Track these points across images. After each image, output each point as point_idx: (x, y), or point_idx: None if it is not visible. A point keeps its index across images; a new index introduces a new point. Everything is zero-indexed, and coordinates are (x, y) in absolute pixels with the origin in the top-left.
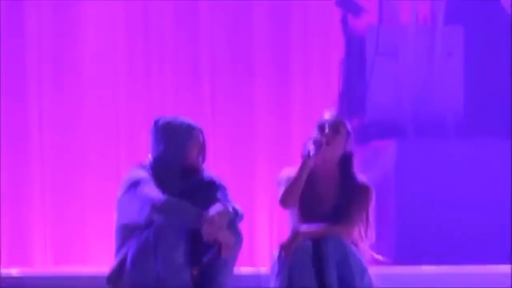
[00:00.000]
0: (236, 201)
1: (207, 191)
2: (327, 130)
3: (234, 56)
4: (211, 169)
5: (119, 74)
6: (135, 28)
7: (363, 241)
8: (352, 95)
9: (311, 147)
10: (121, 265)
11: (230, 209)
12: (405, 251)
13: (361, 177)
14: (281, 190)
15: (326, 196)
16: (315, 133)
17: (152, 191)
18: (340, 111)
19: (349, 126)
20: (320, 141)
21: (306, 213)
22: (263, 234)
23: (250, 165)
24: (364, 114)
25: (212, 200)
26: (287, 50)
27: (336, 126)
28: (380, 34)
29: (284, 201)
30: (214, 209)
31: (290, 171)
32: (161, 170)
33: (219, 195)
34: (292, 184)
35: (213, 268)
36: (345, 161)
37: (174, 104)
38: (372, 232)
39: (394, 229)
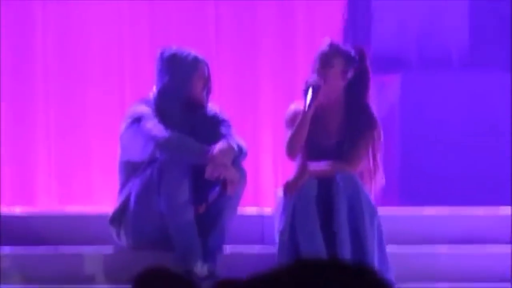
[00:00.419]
0: (240, 137)
1: (211, 126)
2: (317, 65)
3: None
4: (215, 102)
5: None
6: None
7: (371, 182)
8: (356, 28)
9: (309, 94)
10: (124, 205)
11: (235, 146)
12: (409, 190)
13: (369, 110)
14: (287, 135)
15: (332, 130)
16: (315, 66)
17: (155, 127)
18: (343, 41)
19: (348, 54)
20: (314, 84)
21: (312, 148)
22: (267, 173)
23: (254, 98)
24: (369, 48)
25: (216, 135)
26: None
27: (326, 59)
28: None
29: (289, 152)
30: (219, 147)
31: (296, 109)
32: (164, 103)
33: (223, 130)
34: (294, 135)
35: (218, 206)
36: (350, 92)
37: (178, 32)
38: (380, 173)
39: (398, 165)
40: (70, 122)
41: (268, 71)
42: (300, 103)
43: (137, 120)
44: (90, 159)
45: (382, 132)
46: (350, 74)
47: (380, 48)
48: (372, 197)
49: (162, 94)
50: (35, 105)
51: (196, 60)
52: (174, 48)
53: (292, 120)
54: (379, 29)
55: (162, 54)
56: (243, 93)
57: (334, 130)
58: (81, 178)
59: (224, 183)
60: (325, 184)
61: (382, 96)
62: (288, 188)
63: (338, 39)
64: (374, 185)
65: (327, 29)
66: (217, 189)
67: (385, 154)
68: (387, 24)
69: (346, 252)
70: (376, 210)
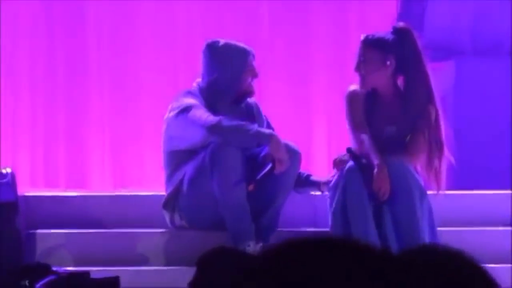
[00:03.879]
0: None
1: (255, 117)
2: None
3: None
4: (267, 88)
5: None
6: None
7: (430, 167)
8: (409, 15)
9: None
10: (177, 189)
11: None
12: (464, 175)
13: (422, 95)
14: (349, 117)
15: (392, 116)
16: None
17: (205, 114)
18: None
19: (381, 42)
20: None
21: (373, 134)
22: (321, 156)
23: (306, 89)
24: (422, 35)
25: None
26: None
27: (359, 55)
28: None
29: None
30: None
31: (355, 90)
32: (213, 95)
33: (265, 121)
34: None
35: (270, 186)
36: (401, 76)
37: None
38: (446, 155)
39: (452, 151)
40: (123, 107)
41: (321, 62)
42: (357, 87)
43: (186, 110)
44: (142, 143)
45: (439, 111)
46: (391, 61)
47: (433, 35)
48: (421, 180)
49: (212, 88)
50: (89, 92)
51: (245, 52)
52: (221, 41)
53: (352, 101)
54: (432, 17)
55: (209, 46)
56: (295, 72)
57: (394, 117)
58: (134, 161)
59: (273, 163)
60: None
61: (436, 83)
62: (336, 164)
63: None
64: (442, 165)
65: (380, 19)
66: (267, 168)
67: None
68: (440, 12)
69: (392, 236)
70: (425, 191)
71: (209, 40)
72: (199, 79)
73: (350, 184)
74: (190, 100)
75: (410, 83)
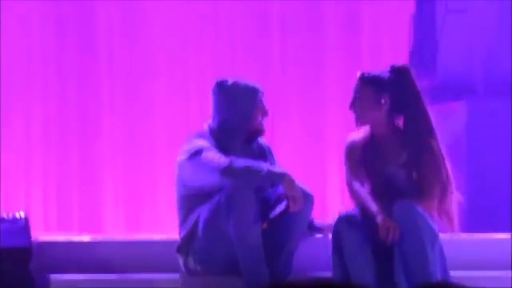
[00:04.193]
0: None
1: (267, 157)
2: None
3: (304, 15)
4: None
5: (188, 33)
6: None
7: (442, 207)
8: (422, 55)
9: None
10: (191, 232)
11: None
12: (478, 217)
13: (422, 129)
14: (347, 167)
15: (392, 157)
16: None
17: (217, 156)
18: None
19: (375, 80)
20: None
21: (375, 178)
22: (334, 198)
23: (320, 130)
24: (435, 75)
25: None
26: (357, 9)
27: (354, 92)
28: None
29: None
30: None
31: (354, 140)
32: (224, 136)
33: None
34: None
35: (283, 228)
36: (397, 114)
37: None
38: (455, 194)
39: (465, 194)
40: (136, 150)
41: (334, 102)
42: (357, 135)
43: (197, 153)
44: (157, 188)
45: (440, 146)
46: (385, 99)
47: (446, 75)
48: (434, 223)
49: (222, 128)
50: (102, 135)
51: (254, 91)
52: (230, 80)
53: (349, 152)
54: (445, 56)
55: (218, 85)
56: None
57: (396, 155)
58: (148, 205)
59: (287, 201)
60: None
61: (448, 123)
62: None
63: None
64: (453, 204)
65: (393, 56)
66: (282, 207)
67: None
68: (453, 51)
69: (401, 279)
70: (437, 234)
71: (218, 79)
72: (210, 121)
73: (342, 231)
74: (201, 142)
75: (409, 120)
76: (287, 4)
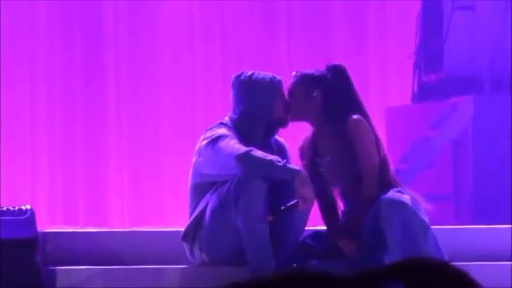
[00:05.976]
0: None
1: (285, 154)
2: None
3: (310, 11)
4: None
5: (195, 34)
6: None
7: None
8: (429, 51)
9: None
10: (198, 220)
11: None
12: (483, 209)
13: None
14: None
15: (325, 147)
16: None
17: (236, 143)
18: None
19: (307, 76)
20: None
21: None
22: None
23: None
24: (442, 70)
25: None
26: (364, 8)
27: (288, 90)
28: None
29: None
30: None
31: (301, 144)
32: (245, 126)
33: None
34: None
35: (286, 223)
36: (330, 111)
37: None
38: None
39: (471, 187)
40: (141, 144)
41: None
42: (305, 136)
43: (218, 139)
44: (161, 181)
45: (364, 126)
46: (317, 93)
47: (452, 70)
48: (424, 214)
49: (243, 119)
50: (108, 129)
51: (274, 82)
52: (249, 72)
53: (300, 154)
54: (452, 52)
55: (236, 78)
56: None
57: (332, 150)
58: (152, 198)
59: (297, 198)
60: (373, 214)
61: (455, 117)
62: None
63: (411, 63)
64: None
65: (399, 52)
66: (291, 204)
67: (458, 176)
68: (459, 47)
69: None
70: (428, 225)
71: (236, 73)
72: (230, 113)
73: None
74: (222, 131)
75: (341, 114)
76: (294, 3)
